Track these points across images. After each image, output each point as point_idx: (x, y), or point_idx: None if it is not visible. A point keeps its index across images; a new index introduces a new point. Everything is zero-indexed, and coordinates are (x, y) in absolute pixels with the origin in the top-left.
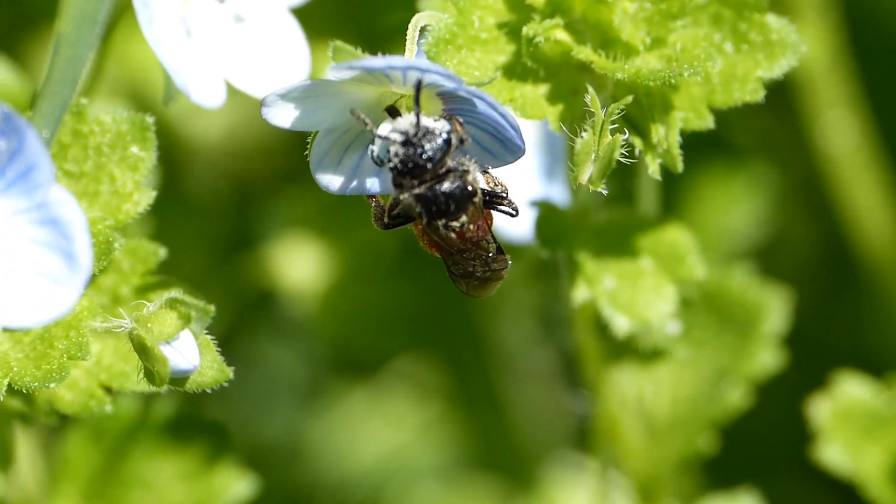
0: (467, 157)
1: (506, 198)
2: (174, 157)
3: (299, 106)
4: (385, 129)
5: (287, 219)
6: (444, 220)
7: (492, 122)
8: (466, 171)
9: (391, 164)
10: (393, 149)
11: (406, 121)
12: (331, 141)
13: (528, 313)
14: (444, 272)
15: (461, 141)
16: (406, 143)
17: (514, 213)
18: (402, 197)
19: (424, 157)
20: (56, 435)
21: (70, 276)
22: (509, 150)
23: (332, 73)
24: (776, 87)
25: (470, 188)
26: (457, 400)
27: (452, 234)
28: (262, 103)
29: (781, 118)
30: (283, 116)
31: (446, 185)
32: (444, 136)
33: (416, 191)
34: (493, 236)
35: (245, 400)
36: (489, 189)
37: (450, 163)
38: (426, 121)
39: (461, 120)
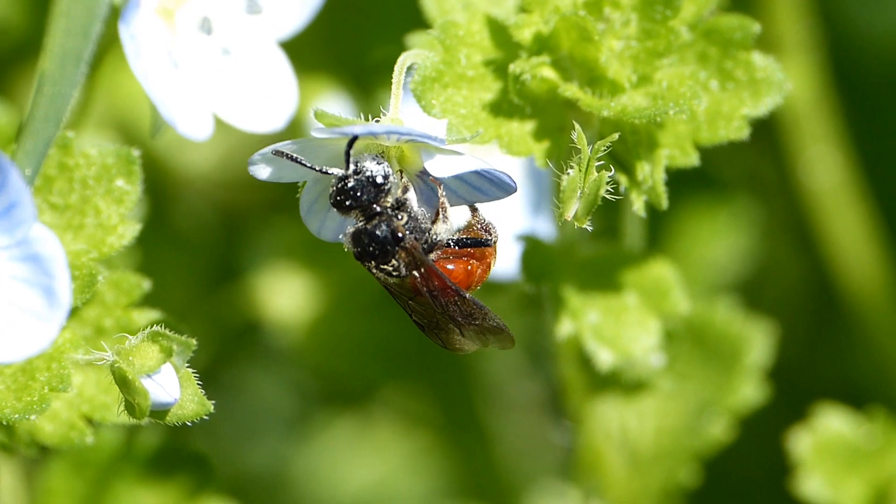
0: (442, 194)
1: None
2: (162, 187)
3: (287, 160)
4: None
5: (273, 249)
6: (373, 262)
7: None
8: (394, 217)
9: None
10: (332, 182)
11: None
12: (319, 189)
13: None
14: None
15: (404, 190)
16: (340, 178)
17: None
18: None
19: (351, 194)
20: (38, 466)
21: (50, 312)
22: (501, 188)
23: (315, 135)
24: (761, 123)
25: (392, 234)
26: (442, 430)
27: (391, 280)
28: (249, 162)
29: (766, 154)
30: (272, 172)
31: (369, 226)
32: (379, 179)
33: (349, 229)
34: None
35: (230, 430)
36: (465, 238)
37: (379, 208)
38: (367, 163)
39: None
